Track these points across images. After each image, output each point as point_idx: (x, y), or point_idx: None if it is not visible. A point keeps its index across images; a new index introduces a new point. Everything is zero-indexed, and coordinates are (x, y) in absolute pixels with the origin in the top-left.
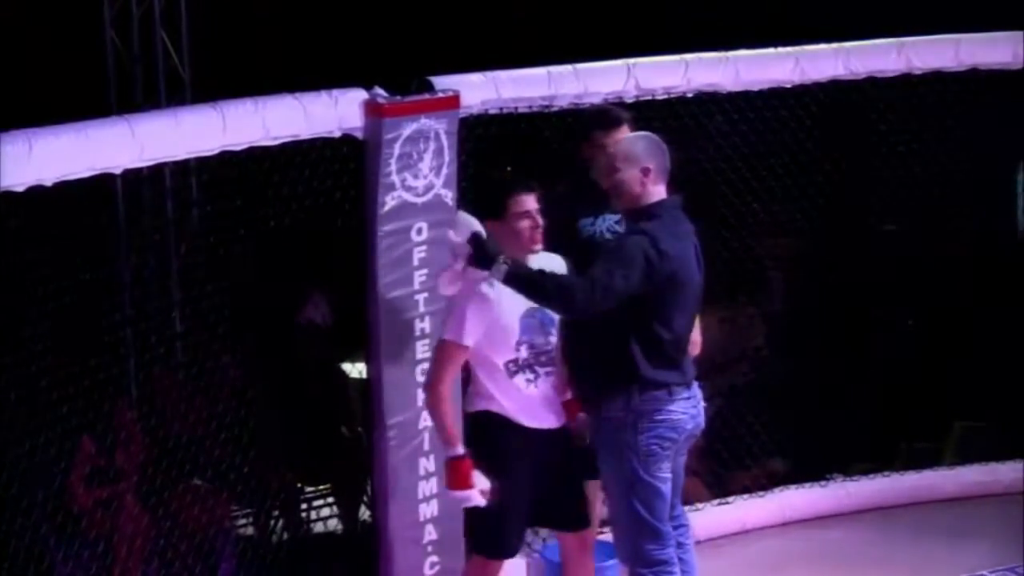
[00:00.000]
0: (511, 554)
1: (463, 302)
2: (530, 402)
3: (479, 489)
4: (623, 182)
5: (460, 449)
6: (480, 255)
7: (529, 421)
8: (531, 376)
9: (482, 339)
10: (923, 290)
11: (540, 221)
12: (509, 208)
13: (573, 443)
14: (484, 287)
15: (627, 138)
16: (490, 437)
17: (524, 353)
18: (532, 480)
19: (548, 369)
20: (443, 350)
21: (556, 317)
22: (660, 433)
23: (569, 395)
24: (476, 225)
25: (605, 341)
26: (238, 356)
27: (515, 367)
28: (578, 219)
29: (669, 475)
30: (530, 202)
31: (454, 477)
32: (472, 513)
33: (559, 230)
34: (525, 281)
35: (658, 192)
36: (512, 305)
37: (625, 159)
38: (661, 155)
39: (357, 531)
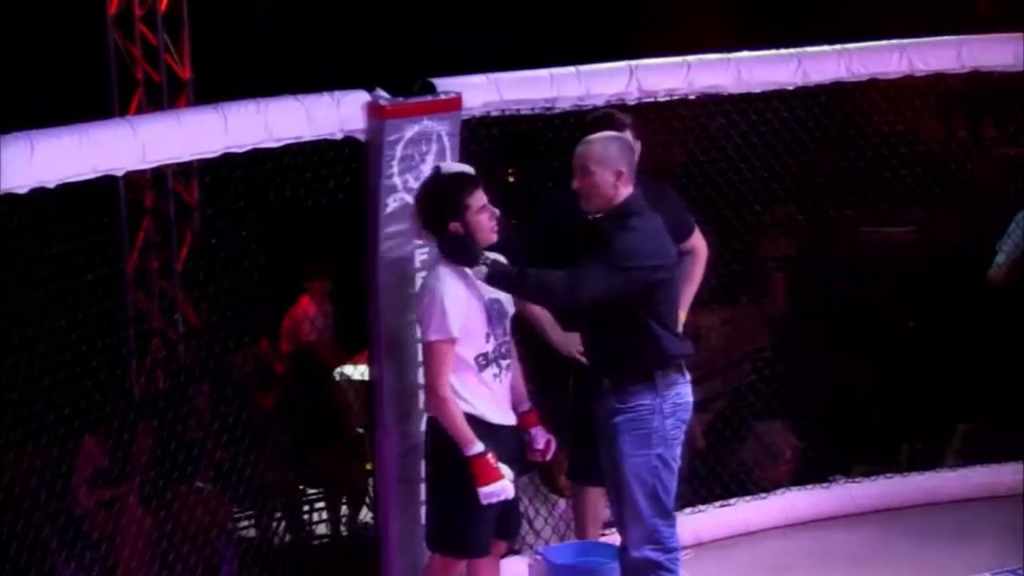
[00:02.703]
0: (482, 553)
1: (433, 297)
2: (496, 397)
3: (508, 479)
4: (597, 184)
5: (479, 445)
6: (466, 252)
7: (497, 418)
8: (496, 370)
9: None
10: (924, 291)
11: (496, 212)
12: (471, 206)
13: (528, 455)
14: (442, 275)
15: (599, 140)
16: None
17: (492, 345)
18: None
19: (508, 362)
20: (433, 351)
21: (510, 309)
22: (680, 416)
23: (527, 406)
24: None
25: (622, 329)
26: (241, 357)
27: (484, 361)
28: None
29: (679, 461)
30: (483, 195)
31: (482, 473)
32: (442, 513)
33: (563, 231)
34: (506, 278)
35: (627, 191)
36: (476, 294)
37: (599, 162)
38: (631, 155)
39: (359, 533)
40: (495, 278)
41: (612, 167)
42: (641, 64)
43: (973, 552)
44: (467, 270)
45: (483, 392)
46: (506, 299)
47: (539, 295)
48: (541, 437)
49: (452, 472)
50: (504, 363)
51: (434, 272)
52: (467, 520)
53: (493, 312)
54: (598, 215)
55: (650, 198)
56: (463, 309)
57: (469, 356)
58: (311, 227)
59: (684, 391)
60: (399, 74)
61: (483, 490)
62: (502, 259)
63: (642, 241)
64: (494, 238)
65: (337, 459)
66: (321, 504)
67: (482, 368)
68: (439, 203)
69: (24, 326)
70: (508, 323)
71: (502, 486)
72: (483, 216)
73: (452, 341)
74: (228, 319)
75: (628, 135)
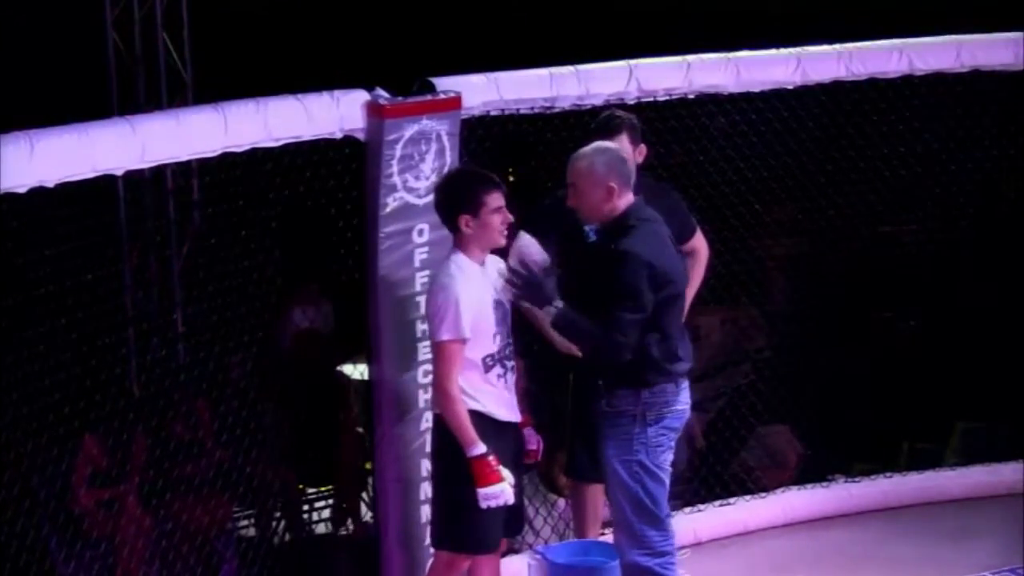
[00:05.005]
0: (491, 550)
1: (448, 296)
2: (502, 396)
3: (508, 482)
4: (588, 203)
5: (482, 446)
6: (538, 292)
7: (503, 416)
8: (502, 371)
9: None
10: (924, 291)
11: (510, 217)
12: (487, 204)
13: (525, 458)
14: (455, 274)
15: (586, 156)
16: None
17: (498, 345)
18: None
19: (512, 363)
20: (444, 351)
21: (510, 309)
22: (667, 424)
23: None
24: (539, 254)
25: None
26: (240, 356)
27: (491, 361)
28: (582, 225)
29: (670, 468)
30: (500, 198)
31: (483, 474)
32: (452, 510)
33: (565, 236)
34: (572, 327)
35: (625, 201)
36: (486, 295)
37: (587, 179)
38: (623, 165)
39: (359, 532)
40: (562, 323)
41: (601, 184)
42: (640, 64)
43: (973, 552)
44: (476, 266)
45: (489, 391)
46: (507, 299)
47: (593, 350)
48: (533, 438)
49: (463, 469)
50: (509, 364)
51: (446, 269)
52: (478, 517)
53: (499, 313)
54: (597, 230)
55: (652, 200)
56: (476, 310)
57: (477, 356)
58: (310, 225)
59: (676, 399)
60: (399, 74)
61: (482, 492)
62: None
63: (638, 264)
64: (502, 242)
65: (337, 459)
66: (320, 503)
67: (488, 368)
68: (458, 194)
69: (24, 326)
70: (510, 323)
71: (501, 488)
72: (496, 217)
73: (463, 341)
74: (228, 319)
75: (625, 138)
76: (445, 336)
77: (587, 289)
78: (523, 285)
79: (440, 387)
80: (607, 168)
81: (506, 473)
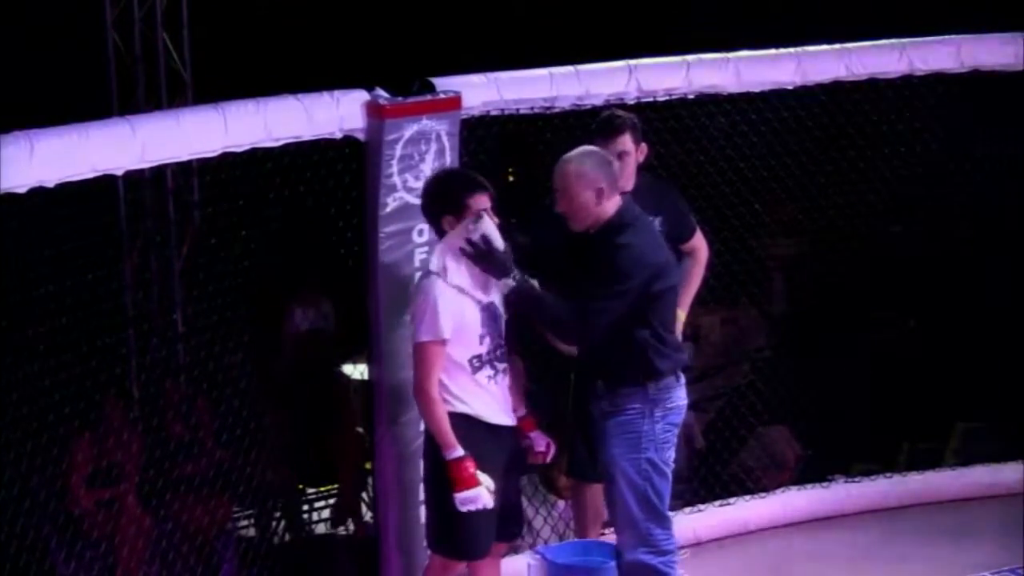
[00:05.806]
0: (481, 556)
1: (426, 298)
2: (493, 399)
3: (485, 486)
4: (580, 206)
5: (459, 450)
6: (497, 263)
7: (494, 418)
8: (491, 372)
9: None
10: (924, 291)
11: (496, 219)
12: (470, 206)
13: (530, 459)
14: (438, 277)
15: (574, 159)
16: (459, 440)
17: (486, 347)
18: (501, 479)
19: (504, 365)
20: (423, 352)
21: (503, 312)
22: (671, 420)
23: (522, 411)
24: (499, 238)
25: (617, 339)
26: (240, 357)
27: (478, 363)
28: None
29: (673, 465)
30: (486, 200)
31: (459, 478)
32: (441, 515)
33: (566, 236)
34: (529, 302)
35: (615, 203)
36: (474, 296)
37: (577, 182)
38: (610, 167)
39: (358, 532)
40: (519, 296)
41: (591, 185)
42: (640, 64)
43: (973, 552)
44: (460, 272)
45: (478, 393)
46: (500, 301)
47: (552, 326)
48: (541, 440)
49: (445, 473)
50: (500, 366)
51: (428, 271)
52: (466, 522)
53: (487, 314)
54: (589, 231)
55: (652, 199)
56: (456, 310)
57: (463, 358)
58: (310, 225)
59: (677, 395)
60: (399, 74)
61: (458, 496)
62: (534, 281)
63: (636, 257)
64: None
65: (337, 459)
66: (320, 503)
67: (476, 370)
68: (441, 196)
69: (24, 326)
70: (502, 325)
71: (477, 493)
72: None
73: (443, 342)
74: (228, 318)
75: (628, 138)
76: (424, 337)
77: (579, 279)
78: (480, 255)
79: (419, 388)
80: (596, 170)
81: (483, 477)
